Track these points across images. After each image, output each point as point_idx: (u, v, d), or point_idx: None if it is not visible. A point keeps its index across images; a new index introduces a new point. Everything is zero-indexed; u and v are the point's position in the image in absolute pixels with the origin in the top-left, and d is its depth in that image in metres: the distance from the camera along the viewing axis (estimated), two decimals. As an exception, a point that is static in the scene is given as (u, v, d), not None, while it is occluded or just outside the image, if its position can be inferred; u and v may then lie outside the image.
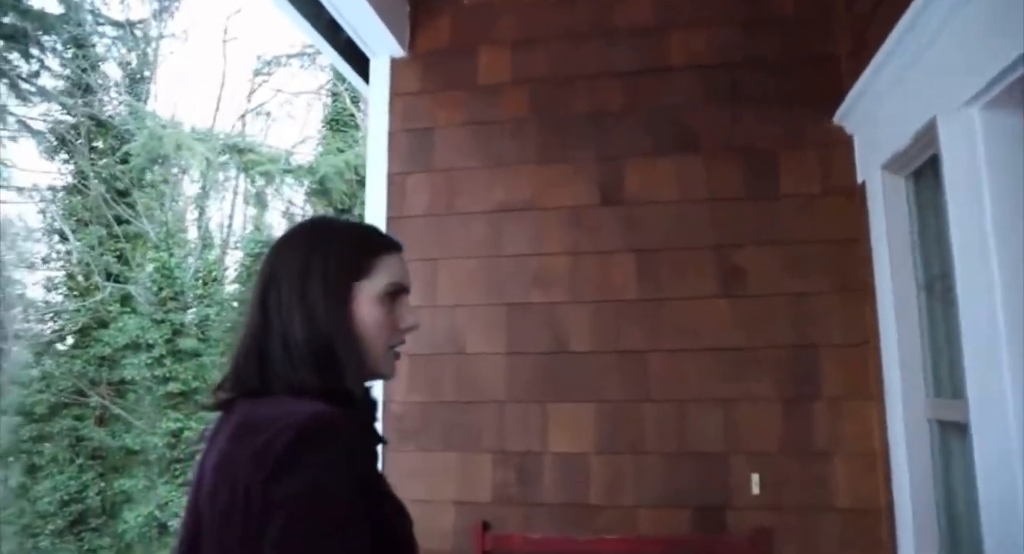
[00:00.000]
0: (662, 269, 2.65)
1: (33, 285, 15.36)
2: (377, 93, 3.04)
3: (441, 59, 3.01)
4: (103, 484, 12.31)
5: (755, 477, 2.48)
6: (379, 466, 1.07)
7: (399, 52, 3.01)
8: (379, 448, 1.09)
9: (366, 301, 1.04)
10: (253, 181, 13.07)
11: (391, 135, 3.00)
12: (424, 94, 3.00)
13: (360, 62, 3.19)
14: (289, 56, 16.52)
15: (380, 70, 3.03)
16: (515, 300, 2.75)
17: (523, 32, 2.93)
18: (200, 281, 12.88)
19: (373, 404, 1.16)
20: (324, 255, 1.04)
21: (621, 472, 2.58)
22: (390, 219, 2.93)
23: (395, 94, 3.02)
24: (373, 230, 1.15)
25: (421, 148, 2.96)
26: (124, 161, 12.99)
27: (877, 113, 2.36)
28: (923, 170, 2.21)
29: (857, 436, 2.46)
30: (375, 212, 2.95)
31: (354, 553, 0.86)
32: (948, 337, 2.13)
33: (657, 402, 2.59)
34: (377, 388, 2.69)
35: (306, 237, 1.08)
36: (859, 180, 2.55)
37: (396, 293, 1.08)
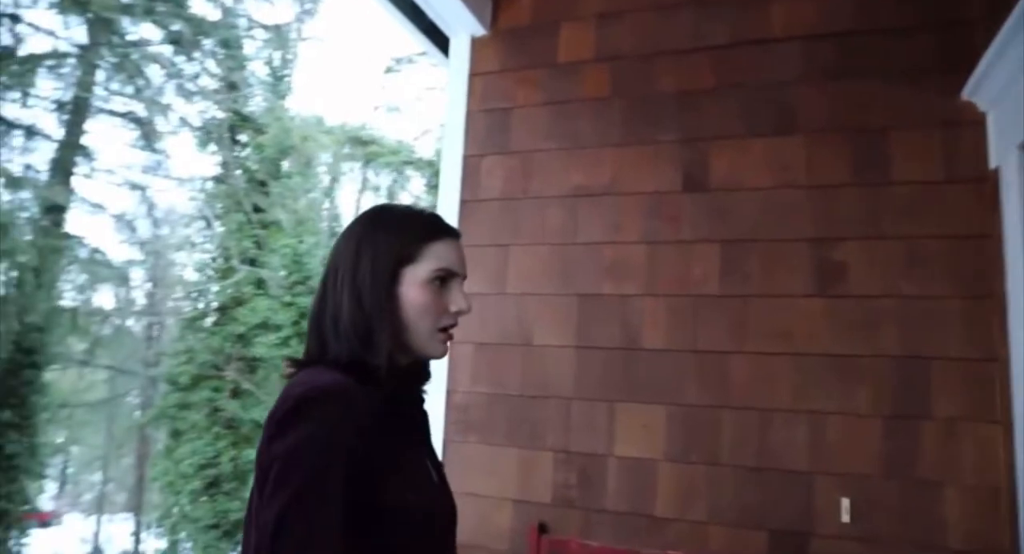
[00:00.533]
0: (749, 263, 2.39)
1: (185, 267, 16.74)
2: (456, 72, 2.95)
3: (521, 36, 2.87)
4: (235, 452, 13.19)
5: (845, 502, 2.18)
6: (397, 438, 1.12)
7: (479, 30, 2.90)
8: (402, 421, 1.17)
9: (412, 285, 1.12)
10: (376, 173, 13.46)
11: (468, 115, 2.90)
12: (503, 73, 2.88)
13: (445, 42, 3.11)
14: (420, 54, 16.95)
15: (459, 49, 2.93)
16: (587, 291, 2.57)
17: (608, 5, 2.73)
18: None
19: (407, 380, 1.21)
20: (374, 242, 1.13)
21: (692, 484, 2.35)
22: (464, 203, 2.83)
23: (474, 73, 2.92)
24: (428, 217, 1.20)
25: (498, 129, 2.84)
26: (260, 152, 13.81)
27: (1015, 84, 1.99)
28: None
29: (976, 465, 2.10)
30: (449, 195, 2.86)
31: (312, 510, 0.93)
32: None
33: (737, 409, 2.33)
34: (441, 377, 2.63)
35: (363, 225, 1.17)
36: (992, 165, 2.18)
37: (445, 278, 1.16)
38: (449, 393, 2.72)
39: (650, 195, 2.55)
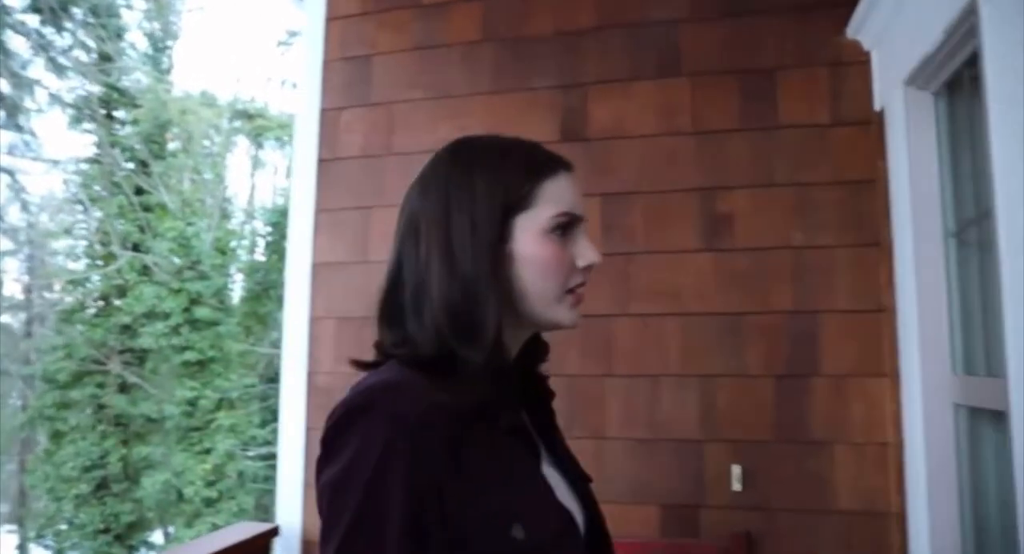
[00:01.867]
0: (632, 217, 2.19)
1: (59, 255, 15.47)
2: (312, 16, 2.62)
3: (382, -28, 2.56)
4: (124, 451, 12.32)
5: (736, 469, 2.03)
6: (496, 448, 0.81)
7: (334, -34, 2.57)
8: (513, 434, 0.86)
9: (529, 238, 0.84)
10: (261, 147, 12.73)
11: (325, 65, 2.58)
12: (364, 16, 2.57)
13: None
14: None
15: (313, -13, 2.60)
16: (459, 254, 2.32)
17: (475, -64, 2.46)
18: (219, 251, 12.70)
19: (508, 376, 0.88)
20: (470, 186, 0.84)
21: (578, 456, 2.14)
22: (321, 162, 2.52)
23: (331, 18, 2.60)
24: (532, 148, 0.90)
25: (358, 79, 2.53)
26: (135, 126, 12.81)
27: (899, 16, 1.85)
28: (957, 80, 1.71)
29: (865, 423, 1.99)
30: (304, 154, 2.54)
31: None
32: (984, 298, 1.64)
33: (622, 377, 2.15)
34: (300, 357, 2.32)
35: (447, 168, 0.87)
36: (877, 107, 2.05)
37: (568, 225, 0.87)
38: (310, 375, 2.43)
39: (525, 146, 2.31)
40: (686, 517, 2.06)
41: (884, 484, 1.95)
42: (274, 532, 2.33)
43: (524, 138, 0.91)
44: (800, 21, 2.16)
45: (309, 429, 2.40)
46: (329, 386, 2.40)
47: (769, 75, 2.15)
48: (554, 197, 0.85)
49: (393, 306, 0.87)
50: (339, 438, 0.75)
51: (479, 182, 0.84)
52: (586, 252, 0.88)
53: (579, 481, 0.93)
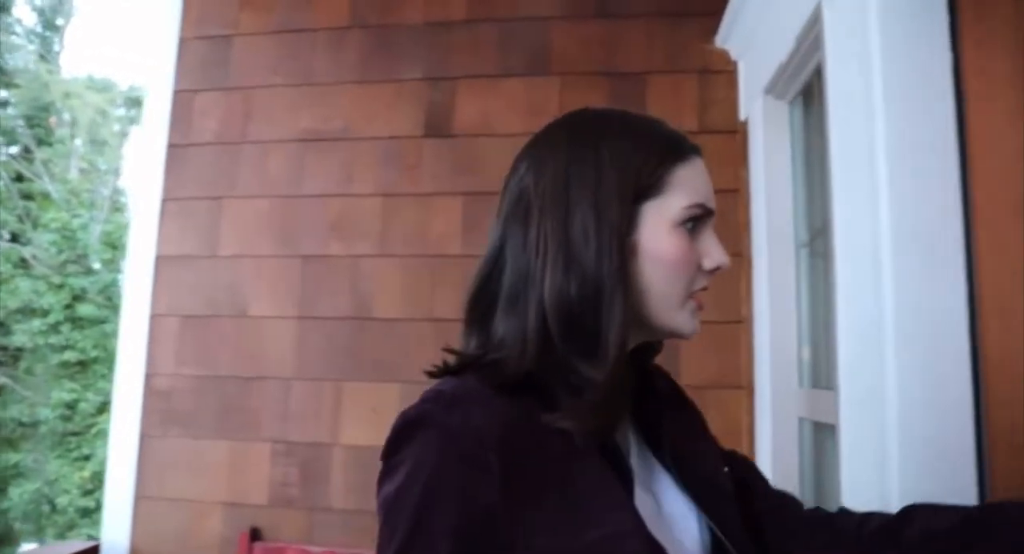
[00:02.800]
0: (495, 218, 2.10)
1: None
2: (167, -11, 2.42)
3: (244, -54, 2.39)
4: (-9, 458, 11.41)
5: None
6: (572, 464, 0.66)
7: (191, -65, 2.39)
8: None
9: (658, 231, 0.71)
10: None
11: (181, 43, 2.38)
12: (224, -8, 2.39)
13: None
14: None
15: (168, -41, 2.40)
16: (312, 252, 2.17)
17: (344, -85, 2.33)
18: (108, 245, 11.94)
19: (632, 387, 0.76)
20: (595, 165, 0.71)
21: (430, 472, 2.03)
22: (171, 147, 2.32)
23: (189, -9, 2.40)
24: (662, 126, 0.77)
25: (216, 60, 2.35)
26: (16, 109, 11.93)
27: (761, 25, 1.83)
28: (810, 89, 1.69)
29: (721, 435, 1.94)
30: (153, 137, 2.34)
31: None
32: (827, 310, 1.63)
33: (478, 386, 2.04)
34: (138, 359, 2.12)
35: (567, 141, 0.74)
36: (742, 117, 2.04)
37: (698, 219, 0.74)
38: (148, 378, 2.22)
39: (387, 140, 2.19)
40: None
41: (735, 498, 1.91)
42: (94, 551, 2.11)
43: (650, 115, 0.78)
44: (671, 27, 2.12)
45: (144, 437, 2.19)
46: (169, 390, 2.20)
47: (639, 79, 2.11)
48: (687, 185, 0.73)
49: (484, 299, 0.74)
50: (395, 455, 0.67)
51: (606, 160, 0.70)
52: (715, 252, 0.74)
53: (715, 495, 0.77)
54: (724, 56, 2.09)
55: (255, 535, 2.06)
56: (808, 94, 1.73)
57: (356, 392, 2.09)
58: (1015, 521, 0.72)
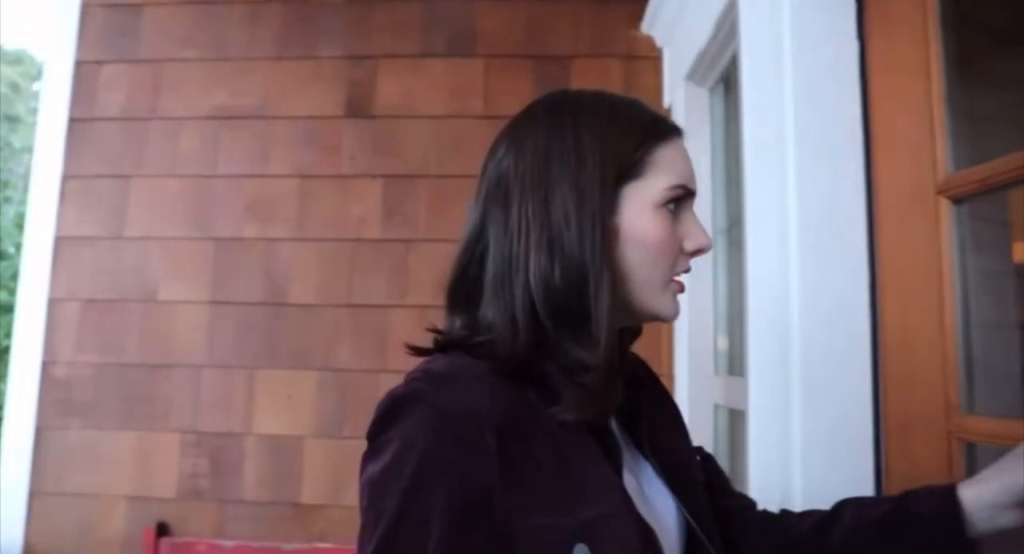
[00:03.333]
0: (415, 202, 2.05)
1: None
2: (69, -48, 2.27)
3: (153, -90, 2.26)
4: None
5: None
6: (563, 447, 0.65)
7: None
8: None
9: (639, 212, 0.70)
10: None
11: (84, 9, 2.24)
12: (133, -42, 2.26)
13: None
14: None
15: (68, -81, 2.25)
16: (225, 234, 2.08)
17: None
18: (21, 228, 11.30)
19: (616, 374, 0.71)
20: (576, 147, 0.69)
21: (348, 462, 1.98)
22: (72, 121, 2.19)
23: (94, -44, 2.26)
24: (643, 107, 0.75)
25: (124, 30, 2.22)
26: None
27: (684, 12, 1.83)
28: (729, 76, 1.70)
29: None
30: (53, 112, 2.20)
31: None
32: (741, 298, 1.65)
33: (399, 373, 1.98)
34: (34, 346, 1.99)
35: (547, 122, 0.72)
36: (666, 104, 2.04)
37: (680, 200, 0.73)
38: (45, 366, 2.09)
39: (306, 120, 2.11)
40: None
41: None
42: (-16, 550, 1.99)
43: (630, 96, 0.75)
44: (597, 11, 2.11)
45: (40, 429, 2.07)
46: (69, 378, 2.09)
47: (564, 63, 2.08)
48: (668, 166, 0.71)
49: (467, 284, 0.71)
50: (382, 433, 0.63)
51: (585, 141, 0.69)
52: (696, 234, 0.73)
53: (687, 484, 0.77)
54: (650, 42, 2.09)
55: (162, 530, 1.98)
56: (727, 81, 1.74)
57: (270, 380, 2.02)
58: (930, 499, 0.73)
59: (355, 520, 1.80)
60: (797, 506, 1.14)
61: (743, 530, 0.86)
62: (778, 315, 1.22)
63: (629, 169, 0.69)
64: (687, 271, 0.73)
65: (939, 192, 1.09)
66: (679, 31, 1.89)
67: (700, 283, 1.78)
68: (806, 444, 1.16)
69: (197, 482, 2.00)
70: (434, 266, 2.01)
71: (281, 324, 2.03)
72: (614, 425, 0.75)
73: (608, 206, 0.67)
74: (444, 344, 0.71)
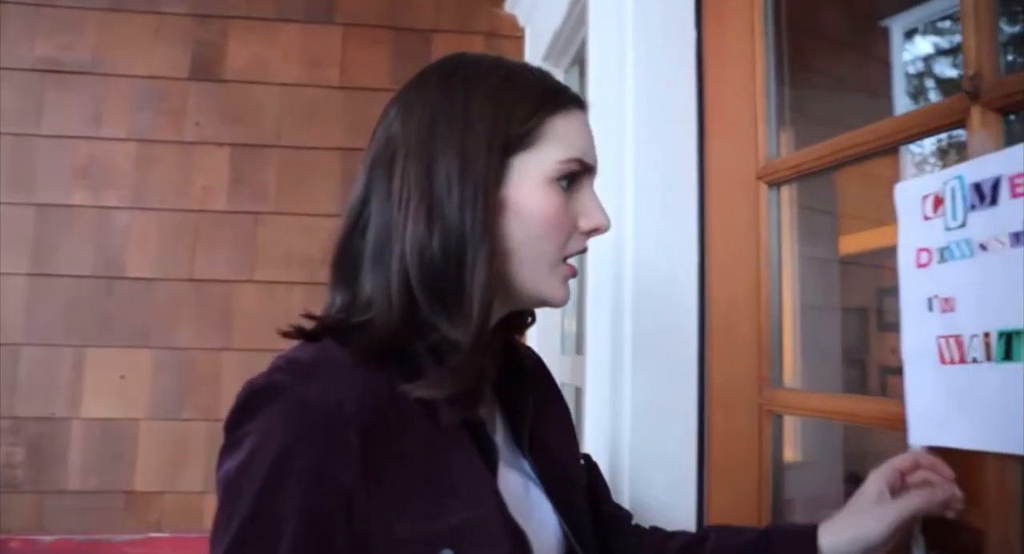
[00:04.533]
0: (265, 173, 1.96)
1: None
2: None
3: None
4: None
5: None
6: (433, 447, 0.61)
7: None
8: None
9: (529, 185, 0.64)
10: None
11: None
12: None
13: None
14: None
15: None
16: (50, 200, 1.90)
17: None
18: None
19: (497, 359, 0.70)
20: (463, 112, 0.64)
21: (185, 446, 1.87)
22: None
23: None
24: (542, 75, 0.70)
25: (-71, -34, 1.97)
26: None
27: (545, -7, 1.84)
28: (583, 57, 1.72)
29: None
30: None
31: None
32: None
33: (243, 352, 1.91)
34: None
35: (437, 86, 0.67)
36: (526, 84, 2.04)
37: (575, 175, 0.67)
38: None
39: (146, 80, 1.96)
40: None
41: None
42: None
43: (531, 64, 0.71)
44: (459, -15, 2.08)
45: None
46: None
47: (425, 36, 2.04)
48: (564, 137, 0.66)
49: (350, 254, 0.66)
50: (239, 427, 0.58)
51: (475, 107, 0.64)
52: (593, 212, 0.68)
53: (567, 487, 0.74)
54: (512, 21, 2.08)
55: (-31, 524, 1.80)
56: (582, 63, 1.76)
57: (101, 359, 1.87)
58: (792, 541, 0.74)
59: (193, 506, 1.72)
60: (625, 475, 1.18)
61: (623, 540, 0.85)
62: (614, 295, 1.25)
63: (520, 138, 0.65)
64: (582, 251, 0.69)
65: (759, 177, 1.15)
66: (539, 11, 1.89)
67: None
68: (635, 416, 1.20)
69: (12, 473, 1.83)
70: (284, 240, 1.93)
71: (114, 299, 1.88)
72: (499, 421, 0.73)
73: (494, 176, 0.63)
74: (317, 330, 0.65)
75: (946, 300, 0.75)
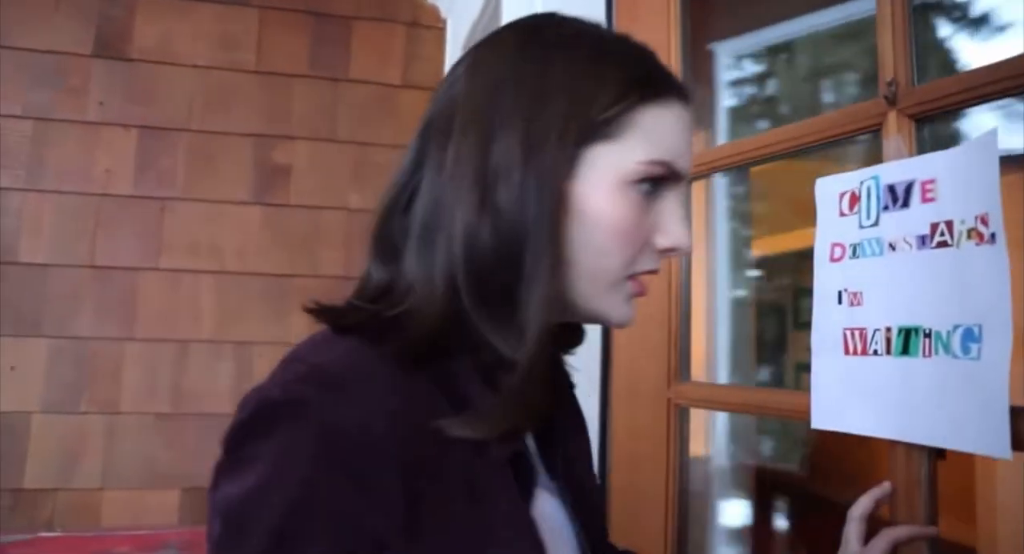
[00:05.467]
0: (173, 158, 1.88)
1: None
2: None
3: None
4: None
5: (269, 446, 1.86)
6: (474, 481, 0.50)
7: None
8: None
9: (600, 185, 0.52)
10: None
11: None
12: None
13: None
14: None
15: None
16: (-66, 179, 1.79)
17: None
18: None
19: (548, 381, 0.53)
20: (538, 83, 0.52)
21: (81, 441, 1.79)
22: None
23: None
24: (643, 54, 0.56)
25: None
26: None
27: (467, -16, 1.83)
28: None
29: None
30: None
31: None
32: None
33: (145, 341, 1.83)
34: None
35: (513, 47, 0.54)
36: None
37: (659, 180, 0.54)
38: None
39: (45, 54, 1.85)
40: (210, 500, 1.84)
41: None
42: None
43: (635, 39, 0.58)
44: (383, -26, 2.05)
45: None
46: None
47: (345, 23, 2.01)
48: (653, 133, 0.54)
49: (391, 229, 0.56)
50: (245, 445, 0.46)
51: (553, 78, 0.52)
52: (673, 228, 0.56)
53: (590, 512, 0.65)
54: (434, 12, 2.07)
55: None
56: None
57: (-11, 349, 1.77)
58: None
59: (89, 503, 1.64)
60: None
61: None
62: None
63: (600, 126, 0.53)
64: (653, 272, 0.57)
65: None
66: (459, 2, 1.88)
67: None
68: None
69: None
70: (192, 228, 1.87)
71: (6, 286, 1.78)
72: (529, 440, 0.62)
73: (562, 167, 0.52)
74: (350, 322, 0.54)
75: (855, 294, 0.78)
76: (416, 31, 2.04)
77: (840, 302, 0.80)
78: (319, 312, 0.55)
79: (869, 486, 0.75)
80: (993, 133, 0.63)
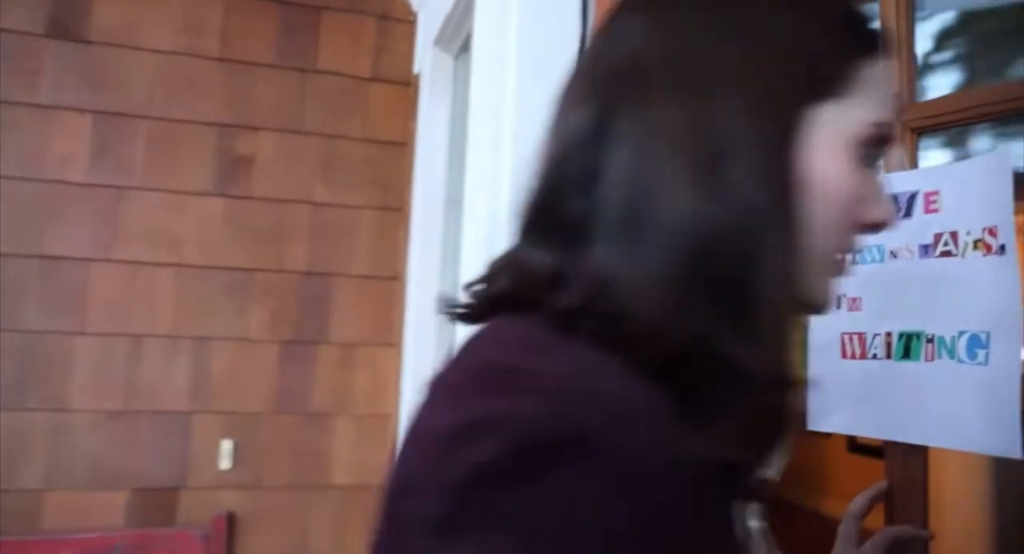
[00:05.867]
0: (131, 145, 1.82)
1: None
2: None
3: None
4: None
5: (226, 445, 1.80)
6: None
7: None
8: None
9: (827, 149, 0.42)
10: None
11: None
12: None
13: None
14: None
15: None
16: None
17: None
18: None
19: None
20: (753, 38, 0.42)
21: (25, 439, 1.71)
22: None
23: None
24: (852, 6, 0.46)
25: None
26: None
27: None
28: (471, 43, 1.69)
29: (369, 394, 1.92)
30: None
31: None
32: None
33: (96, 336, 1.76)
34: None
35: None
36: (416, 70, 2.00)
37: (880, 143, 0.44)
38: None
39: (-3, 34, 1.78)
40: (162, 502, 1.77)
41: (381, 457, 1.89)
42: None
43: None
44: (353, -37, 2.01)
45: None
46: None
47: (314, 13, 1.96)
48: (875, 90, 0.45)
49: (560, 212, 0.42)
50: (502, 491, 0.31)
51: (770, 30, 0.43)
52: (884, 200, 0.47)
53: None
54: (406, 6, 2.03)
55: None
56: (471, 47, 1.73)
57: (-73, 340, 1.68)
58: None
59: (32, 506, 1.56)
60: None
61: None
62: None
63: (826, 81, 0.44)
64: (857, 251, 0.51)
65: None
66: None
67: (429, 252, 1.77)
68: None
69: None
70: (149, 217, 1.80)
71: (-53, 275, 1.70)
72: None
73: (792, 133, 0.43)
74: (574, 316, 0.38)
75: (854, 300, 0.78)
76: (387, 24, 2.01)
77: (839, 307, 0.81)
78: (467, 316, 0.44)
79: (833, 492, 0.74)
80: (1005, 149, 0.65)
